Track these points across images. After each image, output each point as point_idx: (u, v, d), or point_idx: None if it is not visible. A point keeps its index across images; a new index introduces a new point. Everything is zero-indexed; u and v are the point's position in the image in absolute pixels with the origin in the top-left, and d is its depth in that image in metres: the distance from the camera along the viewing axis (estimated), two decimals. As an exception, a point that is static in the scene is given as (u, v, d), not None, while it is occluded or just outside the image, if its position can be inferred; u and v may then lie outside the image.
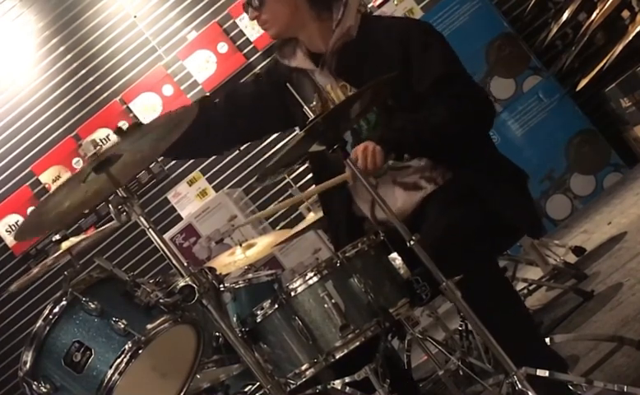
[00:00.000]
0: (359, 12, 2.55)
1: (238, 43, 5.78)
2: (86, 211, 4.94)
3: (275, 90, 2.65)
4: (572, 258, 4.09)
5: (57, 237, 3.44)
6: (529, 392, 2.02)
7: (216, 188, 5.71)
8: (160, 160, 5.71)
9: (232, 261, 3.60)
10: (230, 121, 2.73)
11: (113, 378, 1.96)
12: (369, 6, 5.56)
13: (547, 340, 2.75)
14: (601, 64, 4.48)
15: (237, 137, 2.88)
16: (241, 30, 5.75)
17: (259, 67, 5.74)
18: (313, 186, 2.73)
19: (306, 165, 5.05)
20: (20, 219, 5.76)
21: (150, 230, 1.99)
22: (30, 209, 5.68)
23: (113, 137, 5.50)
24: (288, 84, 2.55)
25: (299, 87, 2.53)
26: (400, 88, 2.39)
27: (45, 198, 1.98)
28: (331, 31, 2.52)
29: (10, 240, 5.79)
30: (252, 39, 5.74)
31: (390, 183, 2.49)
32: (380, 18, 2.97)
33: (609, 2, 4.10)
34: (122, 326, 1.99)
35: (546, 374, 2.07)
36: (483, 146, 2.57)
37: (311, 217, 3.69)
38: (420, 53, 2.44)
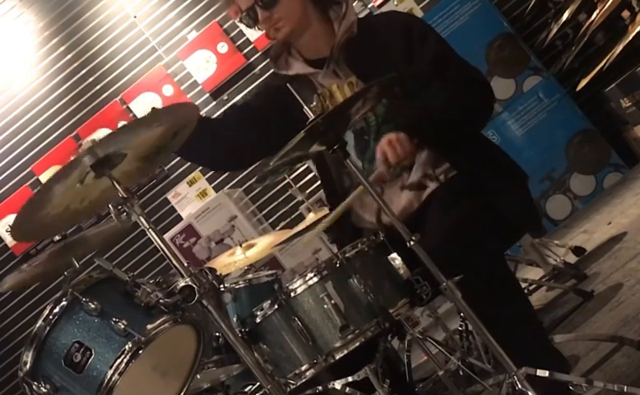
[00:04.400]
0: (355, 15, 2.58)
1: (239, 43, 5.78)
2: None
3: (275, 101, 2.61)
4: (572, 258, 4.09)
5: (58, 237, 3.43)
6: (529, 392, 2.01)
7: (216, 189, 5.71)
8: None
9: (232, 261, 3.60)
10: (245, 130, 2.63)
11: (113, 379, 1.96)
12: (369, 6, 5.57)
13: (547, 340, 2.75)
14: (601, 64, 4.49)
15: (247, 150, 2.69)
16: (241, 30, 5.74)
17: (259, 67, 5.75)
18: (334, 211, 2.48)
19: (306, 165, 5.06)
20: (21, 219, 5.75)
21: (150, 230, 1.99)
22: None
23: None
24: (288, 84, 2.55)
25: (298, 92, 2.52)
26: (405, 76, 2.41)
27: (41, 196, 1.94)
28: (334, 31, 2.53)
29: (10, 240, 5.80)
30: (252, 40, 5.74)
31: (398, 187, 2.49)
32: (376, 15, 2.98)
33: (609, 2, 4.10)
34: (123, 326, 1.99)
35: (546, 374, 2.06)
36: (485, 143, 2.59)
37: (311, 217, 3.69)
38: (420, 40, 2.47)
